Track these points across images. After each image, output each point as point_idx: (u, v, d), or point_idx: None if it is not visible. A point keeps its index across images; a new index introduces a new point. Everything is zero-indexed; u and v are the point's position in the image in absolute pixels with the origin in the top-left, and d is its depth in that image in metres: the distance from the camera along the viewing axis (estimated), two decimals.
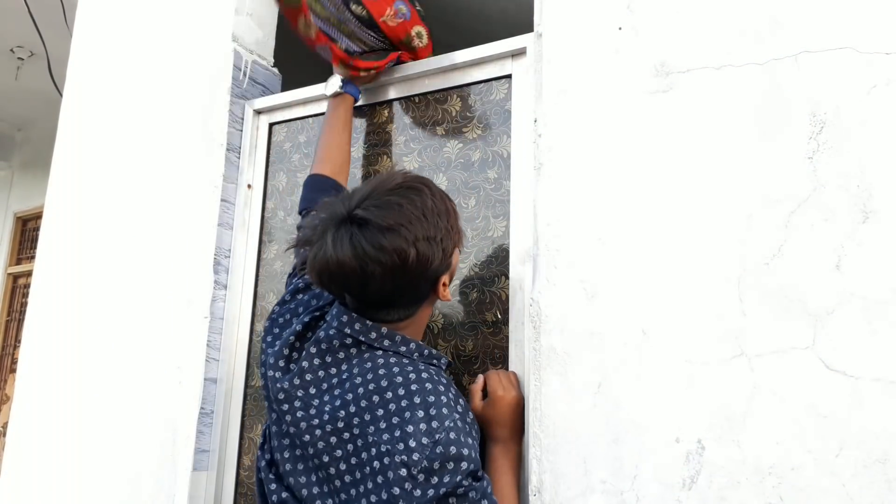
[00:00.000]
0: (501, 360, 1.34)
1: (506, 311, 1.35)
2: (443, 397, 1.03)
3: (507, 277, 1.37)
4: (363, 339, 1.11)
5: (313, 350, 1.13)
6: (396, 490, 0.96)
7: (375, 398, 1.04)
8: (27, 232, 5.27)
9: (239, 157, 1.81)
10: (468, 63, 1.50)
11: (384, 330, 1.12)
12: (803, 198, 1.03)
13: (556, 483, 1.12)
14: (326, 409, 1.07)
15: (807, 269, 1.01)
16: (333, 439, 1.04)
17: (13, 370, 4.67)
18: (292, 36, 1.54)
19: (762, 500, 0.97)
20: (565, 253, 1.20)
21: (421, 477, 0.96)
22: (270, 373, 1.15)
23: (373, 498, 0.99)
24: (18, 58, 4.11)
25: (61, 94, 2.26)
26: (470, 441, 1.01)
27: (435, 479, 0.96)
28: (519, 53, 1.43)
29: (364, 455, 1.01)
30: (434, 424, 0.99)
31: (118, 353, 1.84)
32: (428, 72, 1.55)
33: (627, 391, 1.10)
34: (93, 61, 2.20)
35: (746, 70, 1.11)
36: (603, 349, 1.13)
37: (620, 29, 1.23)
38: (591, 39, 1.26)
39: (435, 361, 1.16)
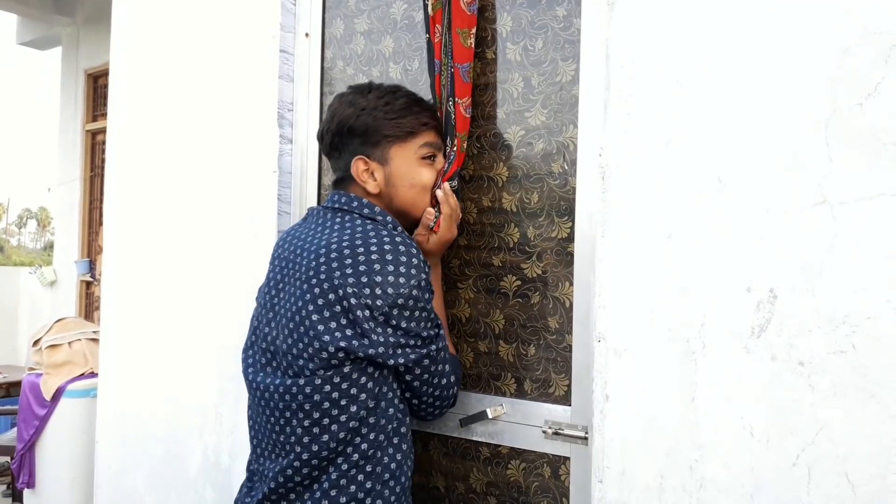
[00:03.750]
0: (568, 213, 1.32)
1: (573, 162, 1.31)
2: (414, 259, 1.16)
3: (575, 126, 1.31)
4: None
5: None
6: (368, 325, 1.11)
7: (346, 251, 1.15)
8: (98, 89, 5.34)
9: (294, 4, 1.75)
10: None
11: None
12: None
13: (620, 331, 1.13)
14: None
15: None
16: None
17: (101, 223, 4.94)
18: None
19: (834, 348, 0.96)
20: (640, 97, 1.13)
21: (381, 318, 1.12)
22: None
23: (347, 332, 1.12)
24: None
25: None
26: (429, 295, 1.18)
27: (394, 321, 1.12)
28: None
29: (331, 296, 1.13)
30: (401, 280, 1.14)
31: (194, 207, 1.91)
32: None
33: (699, 241, 1.07)
34: None
35: None
36: (675, 198, 1.09)
37: None
38: None
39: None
